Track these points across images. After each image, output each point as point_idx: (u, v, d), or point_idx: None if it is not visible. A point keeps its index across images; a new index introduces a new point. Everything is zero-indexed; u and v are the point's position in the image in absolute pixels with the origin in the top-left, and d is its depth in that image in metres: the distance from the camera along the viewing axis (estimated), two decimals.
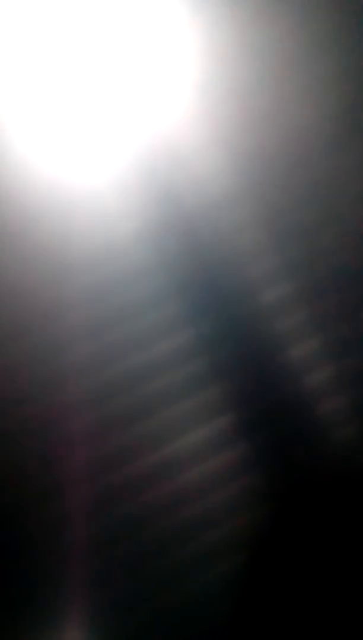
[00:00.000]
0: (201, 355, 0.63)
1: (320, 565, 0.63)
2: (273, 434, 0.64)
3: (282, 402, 0.64)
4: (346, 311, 0.66)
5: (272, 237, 0.66)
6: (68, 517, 0.60)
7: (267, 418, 0.64)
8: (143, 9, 0.63)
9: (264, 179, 0.66)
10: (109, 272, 0.62)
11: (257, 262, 0.65)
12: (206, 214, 0.64)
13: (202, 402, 0.63)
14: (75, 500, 0.60)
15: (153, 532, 0.61)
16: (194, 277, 0.64)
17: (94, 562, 0.60)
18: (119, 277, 0.62)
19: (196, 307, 0.64)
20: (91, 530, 0.60)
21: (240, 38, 0.65)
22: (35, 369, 0.60)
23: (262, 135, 0.66)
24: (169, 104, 0.64)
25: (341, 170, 0.67)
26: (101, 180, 0.62)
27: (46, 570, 0.59)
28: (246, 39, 0.65)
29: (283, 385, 0.65)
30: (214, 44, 0.65)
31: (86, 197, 0.62)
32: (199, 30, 0.64)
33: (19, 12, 0.61)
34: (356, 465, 0.65)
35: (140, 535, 0.61)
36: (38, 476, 0.60)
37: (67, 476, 0.60)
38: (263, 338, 0.65)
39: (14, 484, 0.59)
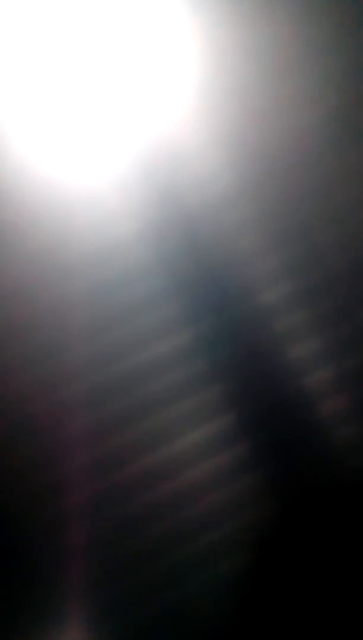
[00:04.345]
0: (201, 355, 0.63)
1: (321, 565, 0.63)
2: (273, 434, 0.64)
3: (282, 402, 0.64)
4: (346, 311, 0.66)
5: (272, 237, 0.66)
6: (68, 517, 0.60)
7: (267, 418, 0.64)
8: (143, 9, 0.63)
9: (264, 179, 0.66)
10: (110, 272, 0.62)
11: (257, 262, 0.65)
12: (207, 214, 0.64)
13: (202, 402, 0.63)
14: (75, 500, 0.60)
15: (153, 532, 0.61)
16: (194, 277, 0.64)
17: (94, 562, 0.60)
18: (119, 277, 0.62)
19: (196, 307, 0.64)
20: (90, 530, 0.60)
21: (240, 38, 0.65)
22: (36, 369, 0.60)
23: (262, 135, 0.66)
24: (169, 104, 0.64)
25: (341, 170, 0.67)
26: (101, 181, 0.62)
27: (46, 570, 0.59)
28: (246, 39, 0.65)
29: (283, 385, 0.65)
30: (214, 44, 0.65)
31: (86, 198, 0.62)
32: (199, 30, 0.64)
33: (19, 12, 0.61)
34: (356, 465, 0.65)
35: (140, 535, 0.61)
36: (38, 476, 0.60)
37: (67, 476, 0.60)
38: (263, 338, 0.65)
39: (14, 484, 0.60)
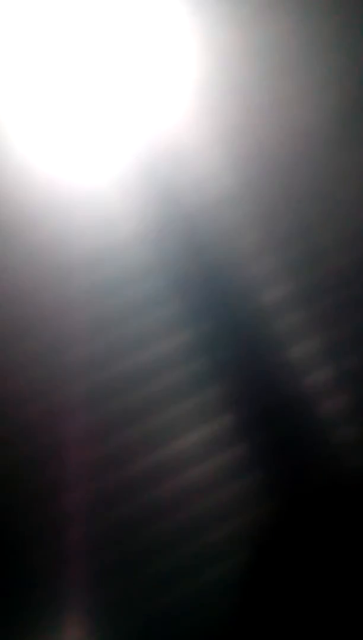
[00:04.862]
0: (201, 355, 0.63)
1: (321, 565, 0.63)
2: (273, 434, 0.64)
3: (282, 402, 0.64)
4: (346, 311, 0.66)
5: (272, 237, 0.66)
6: (68, 517, 0.60)
7: (267, 418, 0.64)
8: (143, 8, 0.63)
9: (264, 179, 0.66)
10: (109, 272, 0.62)
11: (257, 262, 0.65)
12: (206, 214, 0.64)
13: (202, 402, 0.63)
14: (75, 500, 0.60)
15: (153, 532, 0.61)
16: (194, 277, 0.64)
17: (94, 562, 0.60)
18: (119, 277, 0.62)
19: (196, 307, 0.64)
20: (90, 531, 0.60)
21: (240, 38, 0.65)
22: (36, 369, 0.60)
23: (262, 135, 0.66)
24: (169, 104, 0.64)
25: (341, 170, 0.67)
26: (101, 181, 0.62)
27: (46, 570, 0.59)
28: (246, 38, 0.65)
29: (283, 385, 0.65)
30: (215, 44, 0.65)
31: (86, 198, 0.62)
32: (199, 30, 0.64)
33: (19, 12, 0.61)
34: (356, 465, 0.65)
35: (140, 535, 0.61)
36: (38, 476, 0.60)
37: (67, 476, 0.60)
38: (263, 338, 0.65)
39: (15, 484, 0.60)
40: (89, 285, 0.62)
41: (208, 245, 0.64)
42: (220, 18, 0.65)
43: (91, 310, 0.62)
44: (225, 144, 0.65)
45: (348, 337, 0.66)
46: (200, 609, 0.61)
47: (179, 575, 0.61)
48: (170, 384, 0.62)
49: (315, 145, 0.67)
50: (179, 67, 0.64)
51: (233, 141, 0.65)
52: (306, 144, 0.67)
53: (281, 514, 0.63)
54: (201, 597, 0.61)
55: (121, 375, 0.62)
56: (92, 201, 0.62)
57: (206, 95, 0.64)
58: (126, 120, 0.63)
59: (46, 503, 0.60)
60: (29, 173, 0.61)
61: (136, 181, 0.63)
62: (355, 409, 0.65)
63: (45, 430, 0.60)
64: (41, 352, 0.60)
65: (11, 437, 0.60)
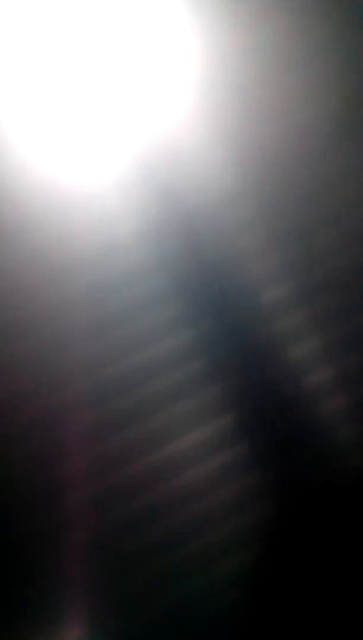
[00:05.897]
0: (201, 355, 0.63)
1: (321, 565, 0.63)
2: (273, 434, 0.64)
3: (282, 402, 0.64)
4: (346, 311, 0.66)
5: (272, 237, 0.66)
6: (68, 517, 0.60)
7: (267, 418, 0.64)
8: (143, 9, 0.63)
9: (264, 179, 0.66)
10: (109, 272, 0.62)
11: (257, 262, 0.65)
12: (206, 214, 0.64)
13: (202, 402, 0.63)
14: (75, 501, 0.60)
15: (153, 531, 0.61)
16: (194, 277, 0.64)
17: (94, 562, 0.60)
18: (119, 277, 0.62)
19: (196, 307, 0.64)
20: (91, 530, 0.60)
21: (240, 38, 0.65)
22: (35, 369, 0.60)
23: (262, 135, 0.66)
24: (169, 104, 0.64)
25: (341, 170, 0.67)
26: (101, 181, 0.62)
27: (46, 570, 0.59)
28: (246, 39, 0.65)
29: (283, 385, 0.65)
30: (214, 44, 0.65)
31: (86, 198, 0.62)
32: (199, 30, 0.64)
33: (19, 12, 0.61)
34: (356, 465, 0.65)
35: (140, 535, 0.61)
36: (38, 476, 0.60)
37: (67, 476, 0.60)
38: (263, 338, 0.65)
39: (15, 484, 0.60)
40: (89, 285, 0.62)
41: (208, 245, 0.64)
42: (220, 18, 0.65)
43: (91, 310, 0.62)
44: (225, 144, 0.65)
45: (348, 337, 0.66)
46: (200, 609, 0.61)
47: (179, 575, 0.61)
48: (170, 384, 0.62)
49: (315, 145, 0.67)
50: (180, 67, 0.64)
51: (233, 141, 0.65)
52: (307, 144, 0.67)
53: (282, 513, 0.63)
54: (201, 597, 0.61)
55: (121, 375, 0.62)
56: (92, 201, 0.62)
57: (206, 95, 0.64)
58: (126, 121, 0.63)
59: (46, 503, 0.60)
60: (29, 173, 0.61)
61: (136, 181, 0.63)
62: (355, 409, 0.65)
63: (45, 430, 0.60)
64: (41, 352, 0.60)
65: (11, 437, 0.60)
